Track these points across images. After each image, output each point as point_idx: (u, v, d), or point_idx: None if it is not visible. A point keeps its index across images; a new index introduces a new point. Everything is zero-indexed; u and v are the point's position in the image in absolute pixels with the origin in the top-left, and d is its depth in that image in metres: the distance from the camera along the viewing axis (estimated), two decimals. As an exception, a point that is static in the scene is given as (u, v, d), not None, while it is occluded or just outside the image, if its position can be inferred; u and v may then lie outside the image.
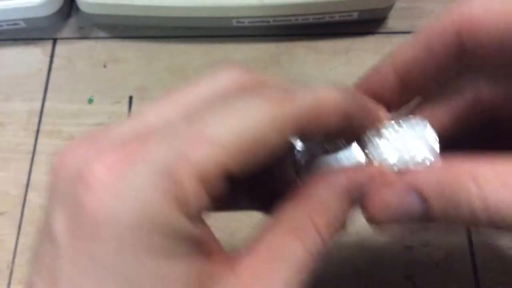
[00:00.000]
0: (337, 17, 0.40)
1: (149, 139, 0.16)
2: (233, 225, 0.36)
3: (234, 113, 0.16)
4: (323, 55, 0.41)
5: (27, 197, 0.38)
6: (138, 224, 0.15)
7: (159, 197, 0.15)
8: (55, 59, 0.43)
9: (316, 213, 0.19)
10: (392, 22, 0.42)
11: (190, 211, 0.16)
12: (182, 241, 0.16)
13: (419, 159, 0.20)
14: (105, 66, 0.42)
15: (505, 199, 0.17)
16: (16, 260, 0.36)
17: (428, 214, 0.18)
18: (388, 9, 0.41)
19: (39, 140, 0.39)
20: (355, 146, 0.21)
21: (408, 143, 0.20)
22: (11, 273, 0.35)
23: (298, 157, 0.21)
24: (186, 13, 0.40)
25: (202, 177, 0.16)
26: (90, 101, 0.41)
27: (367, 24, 0.42)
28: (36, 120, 0.40)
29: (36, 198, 0.37)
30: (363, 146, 0.20)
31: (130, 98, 0.41)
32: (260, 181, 0.22)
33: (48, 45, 0.43)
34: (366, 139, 0.20)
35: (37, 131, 0.40)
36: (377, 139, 0.20)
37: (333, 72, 0.41)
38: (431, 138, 0.20)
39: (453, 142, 0.20)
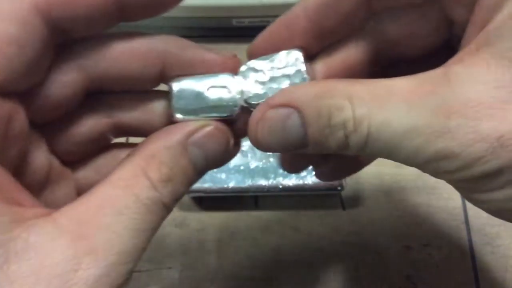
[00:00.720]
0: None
1: None
2: (233, 225, 0.36)
3: None
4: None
5: None
6: None
7: None
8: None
9: (147, 163, 0.19)
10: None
11: None
12: None
13: (286, 84, 0.21)
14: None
15: (376, 114, 0.18)
16: None
17: (307, 137, 0.19)
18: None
19: None
20: (232, 84, 0.21)
21: (279, 75, 0.21)
22: None
23: (173, 104, 0.21)
24: (186, 13, 0.40)
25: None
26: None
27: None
28: None
29: None
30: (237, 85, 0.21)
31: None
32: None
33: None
34: (240, 74, 0.21)
35: None
36: (250, 73, 0.21)
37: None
38: (302, 69, 0.21)
39: None
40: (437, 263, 0.34)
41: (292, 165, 0.27)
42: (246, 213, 0.36)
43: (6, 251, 0.16)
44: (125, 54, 0.20)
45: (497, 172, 0.17)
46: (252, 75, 0.21)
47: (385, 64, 0.23)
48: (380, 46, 0.22)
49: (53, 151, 0.22)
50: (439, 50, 0.23)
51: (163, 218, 0.20)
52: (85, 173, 0.23)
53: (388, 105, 0.18)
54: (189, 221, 0.36)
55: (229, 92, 0.21)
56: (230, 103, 0.21)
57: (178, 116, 0.21)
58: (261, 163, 0.35)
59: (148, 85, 0.21)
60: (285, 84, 0.20)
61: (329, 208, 0.36)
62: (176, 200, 0.20)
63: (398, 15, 0.21)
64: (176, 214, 0.37)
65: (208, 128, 0.20)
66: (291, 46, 0.21)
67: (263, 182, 0.35)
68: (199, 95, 0.21)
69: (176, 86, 0.21)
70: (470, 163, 0.17)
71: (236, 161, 0.35)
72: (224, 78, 0.21)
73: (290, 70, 0.21)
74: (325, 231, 0.35)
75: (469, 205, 0.30)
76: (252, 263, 0.35)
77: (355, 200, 0.36)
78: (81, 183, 0.23)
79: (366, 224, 0.35)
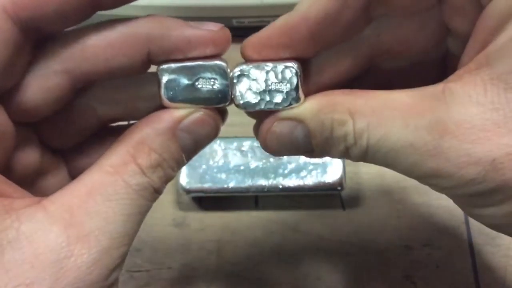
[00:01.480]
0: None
1: None
2: (233, 225, 0.36)
3: None
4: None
5: None
6: None
7: None
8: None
9: (137, 149, 0.19)
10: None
11: None
12: None
13: (279, 100, 0.20)
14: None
15: (375, 128, 0.18)
16: None
17: (312, 146, 0.20)
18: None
19: None
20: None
21: (273, 88, 0.21)
22: None
23: (162, 94, 0.21)
24: (186, 13, 0.40)
25: None
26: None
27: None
28: None
29: None
30: (230, 87, 0.21)
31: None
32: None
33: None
34: (233, 79, 0.21)
35: None
36: (243, 78, 0.21)
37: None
38: (295, 83, 0.20)
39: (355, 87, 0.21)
40: (437, 263, 0.34)
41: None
42: (246, 213, 0.36)
43: None
44: (108, 47, 0.20)
45: (492, 191, 0.17)
46: (246, 81, 0.21)
47: (379, 72, 0.23)
48: (375, 53, 0.22)
49: (44, 143, 0.22)
50: (432, 64, 0.23)
51: (153, 201, 0.20)
52: (80, 158, 0.23)
53: (387, 120, 0.18)
54: (189, 221, 0.36)
55: (220, 84, 0.20)
56: (220, 95, 0.20)
57: (168, 103, 0.21)
58: (261, 163, 0.35)
59: (135, 72, 0.21)
60: (278, 98, 0.20)
61: (329, 208, 0.36)
62: (165, 183, 0.20)
63: (395, 24, 0.21)
64: (176, 214, 0.37)
65: (197, 114, 0.20)
66: (288, 52, 0.21)
67: (263, 182, 0.35)
68: (188, 87, 0.20)
69: (165, 77, 0.20)
70: (463, 184, 0.18)
71: (236, 161, 0.35)
72: (213, 67, 0.20)
73: (285, 87, 0.20)
74: (325, 231, 0.35)
75: (469, 205, 0.30)
76: (252, 263, 0.35)
77: (355, 200, 0.36)
78: (77, 168, 0.23)
79: (366, 224, 0.35)
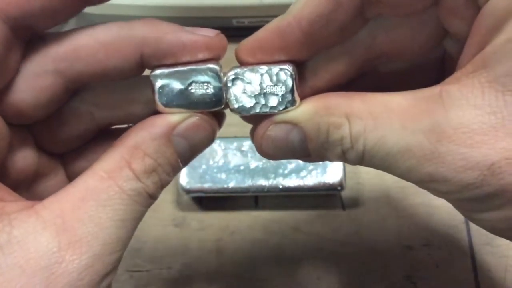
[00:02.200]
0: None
1: None
2: (233, 225, 0.36)
3: None
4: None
5: None
6: None
7: None
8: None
9: (131, 155, 0.19)
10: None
11: None
12: None
13: (274, 103, 0.20)
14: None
15: (372, 132, 0.18)
16: None
17: (308, 150, 0.20)
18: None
19: None
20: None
21: (268, 92, 0.20)
22: None
23: (156, 99, 0.20)
24: (186, 13, 0.40)
25: None
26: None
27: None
28: None
29: None
30: (225, 90, 0.20)
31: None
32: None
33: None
34: (228, 82, 0.20)
35: None
36: (238, 81, 0.20)
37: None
38: (290, 85, 0.20)
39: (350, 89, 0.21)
40: (437, 263, 0.34)
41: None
42: (246, 213, 0.36)
43: None
44: (101, 48, 0.20)
45: (490, 196, 0.17)
46: (240, 84, 0.20)
47: (375, 74, 0.23)
48: (371, 56, 0.22)
49: (40, 146, 0.22)
50: (429, 66, 0.23)
51: (147, 206, 0.20)
52: (78, 161, 0.23)
53: (384, 123, 0.18)
54: (189, 221, 0.36)
55: (213, 88, 0.20)
56: (214, 99, 0.20)
57: (162, 109, 0.20)
58: (261, 163, 0.35)
59: (129, 75, 0.21)
60: (274, 101, 0.20)
61: (329, 208, 0.36)
62: (161, 188, 0.20)
63: (391, 25, 0.21)
64: (176, 214, 0.37)
65: (193, 119, 0.20)
66: (283, 55, 0.21)
67: (263, 182, 0.35)
68: (182, 92, 0.20)
69: (158, 82, 0.20)
70: (461, 188, 0.17)
71: (236, 161, 0.35)
72: (205, 70, 0.20)
73: (280, 90, 0.20)
74: (325, 231, 0.35)
75: (469, 205, 0.30)
76: (252, 263, 0.35)
77: (355, 200, 0.36)
78: (75, 171, 0.23)
79: (366, 224, 0.35)
